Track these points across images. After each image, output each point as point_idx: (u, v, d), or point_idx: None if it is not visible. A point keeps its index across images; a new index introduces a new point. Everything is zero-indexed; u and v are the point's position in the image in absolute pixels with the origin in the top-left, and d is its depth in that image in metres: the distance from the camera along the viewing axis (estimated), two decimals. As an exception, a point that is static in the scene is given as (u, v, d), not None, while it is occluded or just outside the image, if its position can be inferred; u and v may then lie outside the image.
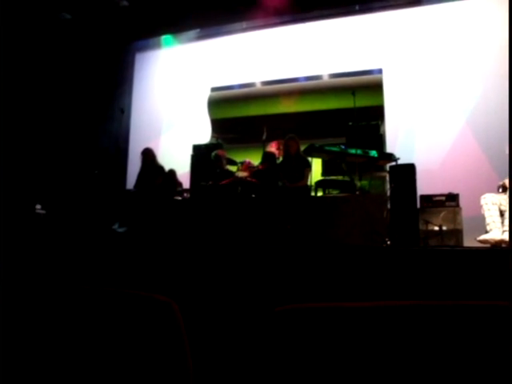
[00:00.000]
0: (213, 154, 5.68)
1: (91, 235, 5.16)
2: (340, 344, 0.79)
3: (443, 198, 4.76)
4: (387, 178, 4.98)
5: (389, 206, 4.56)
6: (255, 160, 5.68)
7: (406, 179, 4.54)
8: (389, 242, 4.17)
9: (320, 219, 4.39)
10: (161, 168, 5.89)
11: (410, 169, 4.61)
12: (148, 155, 6.01)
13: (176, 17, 7.08)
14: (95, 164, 6.88)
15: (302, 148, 5.07)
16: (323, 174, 5.59)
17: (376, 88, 6.55)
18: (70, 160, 7.16)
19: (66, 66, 7.35)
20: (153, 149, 6.17)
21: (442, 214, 4.60)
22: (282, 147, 5.51)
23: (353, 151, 4.75)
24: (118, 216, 5.53)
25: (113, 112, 7.73)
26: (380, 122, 6.11)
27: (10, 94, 5.79)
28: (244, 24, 7.36)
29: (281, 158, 5.44)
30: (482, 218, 4.03)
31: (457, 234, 4.52)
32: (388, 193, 4.71)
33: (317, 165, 5.49)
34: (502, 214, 3.94)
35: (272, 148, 5.81)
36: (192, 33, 7.69)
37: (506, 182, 3.98)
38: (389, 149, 5.98)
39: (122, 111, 7.53)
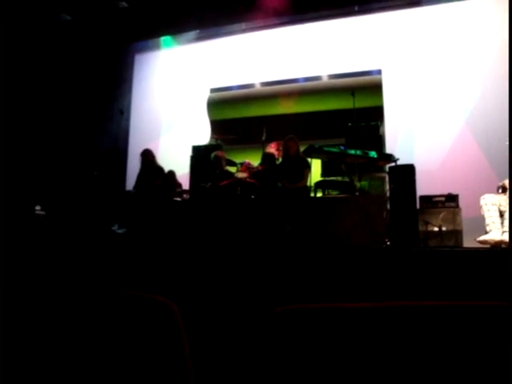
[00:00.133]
0: (212, 154, 5.68)
1: (91, 236, 5.16)
2: (340, 345, 0.78)
3: (443, 199, 4.76)
4: (387, 179, 4.98)
5: (388, 206, 4.56)
6: (255, 161, 5.68)
7: (406, 180, 4.53)
8: (388, 243, 4.17)
9: (320, 220, 4.39)
10: (160, 169, 5.89)
11: (409, 169, 4.60)
12: (147, 156, 6.00)
13: (175, 18, 7.08)
14: (94, 165, 6.89)
15: (302, 149, 5.07)
16: (323, 174, 5.59)
17: (375, 89, 6.55)
18: (70, 161, 7.16)
19: (65, 67, 7.35)
20: (152, 150, 6.16)
21: (442, 215, 4.60)
22: (281, 148, 5.52)
23: (352, 152, 4.75)
24: (117, 217, 5.53)
25: (112, 113, 7.73)
26: (379, 123, 6.11)
27: (9, 94, 5.79)
28: (243, 25, 7.36)
29: (280, 159, 5.45)
30: (482, 219, 4.03)
31: (456, 234, 4.52)
32: (387, 193, 4.70)
33: (316, 165, 5.49)
34: (501, 214, 3.94)
35: (271, 149, 5.81)
36: (191, 34, 7.69)
37: (506, 182, 3.98)
38: (388, 149, 5.98)
39: (122, 112, 7.54)
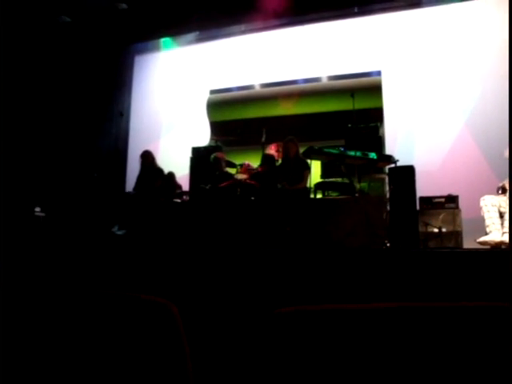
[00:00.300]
0: (212, 156, 5.68)
1: (90, 238, 5.16)
2: (340, 346, 0.78)
3: (443, 200, 4.75)
4: (386, 180, 4.98)
5: (388, 207, 4.56)
6: (254, 162, 5.68)
7: (406, 181, 4.53)
8: (388, 244, 4.17)
9: (319, 221, 4.39)
10: (160, 170, 5.89)
11: (409, 171, 4.60)
12: (147, 158, 6.00)
13: (175, 19, 7.09)
14: (94, 167, 6.89)
15: (301, 150, 5.07)
16: (322, 176, 5.59)
17: (375, 90, 6.55)
18: (70, 162, 7.16)
19: (65, 69, 7.36)
20: (152, 151, 6.16)
21: (442, 216, 4.60)
22: (281, 149, 5.52)
23: (352, 153, 4.75)
24: (117, 219, 5.53)
25: (112, 114, 7.73)
26: (379, 124, 6.11)
27: (9, 96, 5.80)
28: (243, 26, 7.36)
29: (280, 161, 5.45)
30: (482, 220, 4.03)
31: (456, 235, 4.51)
32: (387, 195, 4.70)
33: (316, 167, 5.49)
34: (501, 215, 3.94)
35: (271, 150, 5.81)
36: (191, 35, 7.70)
37: (506, 183, 3.98)
38: (388, 151, 5.98)
39: (121, 114, 7.54)
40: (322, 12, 6.89)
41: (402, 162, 4.83)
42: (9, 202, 5.22)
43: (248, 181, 5.20)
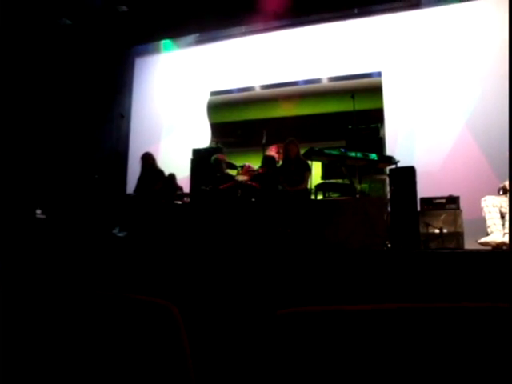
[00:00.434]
0: (213, 158, 5.68)
1: (91, 240, 5.16)
2: (342, 347, 0.78)
3: (443, 201, 4.75)
4: (387, 181, 4.98)
5: (389, 208, 4.55)
6: (255, 164, 5.68)
7: (406, 182, 4.53)
8: (389, 245, 4.17)
9: (320, 223, 4.39)
10: (161, 172, 5.90)
11: (409, 171, 4.60)
12: (148, 160, 6.00)
13: (175, 21, 7.10)
14: (95, 168, 6.89)
15: (302, 151, 5.07)
16: (323, 177, 5.59)
17: (375, 91, 6.56)
18: (70, 165, 7.17)
19: (66, 71, 7.37)
20: (153, 153, 6.16)
21: (443, 217, 4.59)
22: (281, 151, 5.51)
23: (353, 154, 4.75)
24: (118, 220, 5.53)
25: (113, 116, 7.74)
26: (380, 125, 6.11)
27: (10, 98, 5.80)
28: (243, 28, 7.37)
29: (281, 162, 5.44)
30: (483, 221, 4.02)
31: (457, 236, 4.51)
32: (388, 196, 4.70)
33: (317, 168, 5.49)
34: (502, 216, 3.93)
35: (272, 152, 5.81)
36: (191, 37, 7.71)
37: (507, 183, 3.97)
38: (389, 152, 5.99)
39: (122, 116, 7.55)
40: (322, 13, 6.91)
41: (403, 162, 4.83)
42: (10, 204, 5.22)
43: (249, 182, 5.20)
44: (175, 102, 7.81)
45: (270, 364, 0.79)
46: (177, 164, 6.58)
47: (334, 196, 5.19)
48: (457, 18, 6.33)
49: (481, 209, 4.04)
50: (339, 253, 3.35)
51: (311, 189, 5.05)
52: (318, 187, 5.10)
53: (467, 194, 4.75)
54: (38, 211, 5.92)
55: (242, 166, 5.69)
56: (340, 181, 5.27)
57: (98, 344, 0.94)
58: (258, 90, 7.38)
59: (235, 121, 7.36)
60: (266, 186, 5.10)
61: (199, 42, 7.74)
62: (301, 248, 4.08)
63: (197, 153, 6.50)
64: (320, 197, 5.09)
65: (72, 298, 1.02)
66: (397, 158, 4.91)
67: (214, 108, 7.53)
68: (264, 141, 5.84)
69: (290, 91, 7.13)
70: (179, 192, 5.87)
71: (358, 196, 4.78)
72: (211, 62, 7.60)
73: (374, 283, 2.65)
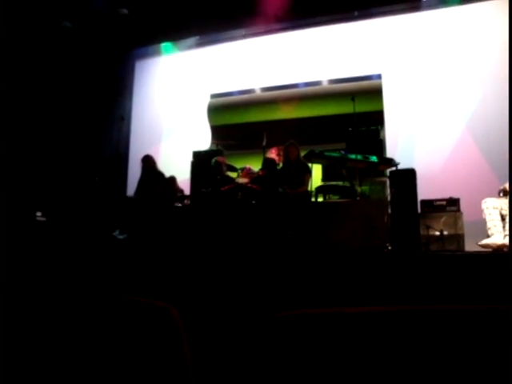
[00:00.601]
0: (213, 160, 5.68)
1: (92, 242, 5.16)
2: (341, 350, 0.78)
3: (444, 203, 4.75)
4: (387, 183, 4.98)
5: (389, 211, 4.55)
6: (255, 166, 5.67)
7: (407, 184, 4.53)
8: (390, 248, 4.16)
9: (320, 225, 4.38)
10: (161, 175, 5.90)
11: (410, 174, 4.60)
12: (148, 162, 6.01)
13: (175, 24, 7.11)
14: (95, 171, 6.89)
15: (302, 154, 5.07)
16: (323, 179, 5.59)
17: (375, 93, 6.56)
18: (71, 167, 7.17)
19: (66, 74, 7.38)
20: (153, 155, 6.17)
21: (443, 219, 4.59)
22: (282, 153, 5.51)
23: (353, 156, 4.75)
24: (118, 223, 5.53)
25: (113, 119, 7.75)
26: (380, 127, 6.12)
27: (11, 101, 5.81)
28: (243, 31, 7.38)
29: (281, 164, 5.44)
30: (483, 223, 4.02)
31: (458, 238, 4.51)
32: (388, 198, 4.70)
33: (317, 170, 5.49)
34: (503, 218, 3.93)
35: (272, 154, 5.81)
36: (191, 40, 7.73)
37: (507, 185, 3.97)
38: (389, 154, 5.98)
39: (123, 118, 7.56)
40: (323, 16, 6.92)
41: (403, 165, 4.83)
42: (10, 206, 5.22)
43: (249, 185, 5.20)
44: (175, 104, 7.82)
45: (269, 367, 0.79)
46: (177, 166, 6.58)
47: (335, 198, 5.19)
48: (457, 21, 6.34)
49: (481, 211, 4.04)
50: (340, 255, 3.35)
51: (311, 191, 5.05)
52: (319, 189, 5.10)
53: (468, 196, 4.74)
54: (38, 213, 5.92)
55: (242, 169, 5.69)
56: (340, 183, 5.28)
57: (98, 346, 0.94)
58: (258, 92, 7.39)
59: (235, 123, 7.36)
60: (266, 189, 5.09)
61: (199, 44, 7.75)
62: (301, 250, 4.07)
63: (197, 155, 6.50)
64: (320, 199, 5.09)
65: (72, 301, 1.02)
66: (397, 160, 4.91)
67: (215, 110, 7.54)
68: (264, 143, 5.84)
69: (290, 93, 7.14)
70: (180, 194, 5.87)
71: (358, 198, 4.78)
72: (211, 65, 7.61)
73: (375, 285, 2.64)
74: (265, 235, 4.46)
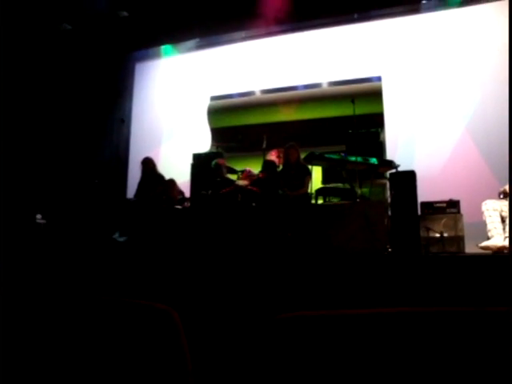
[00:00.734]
0: (213, 162, 5.69)
1: (92, 245, 5.16)
2: (342, 352, 0.78)
3: (444, 205, 4.74)
4: (387, 185, 4.97)
5: (389, 213, 4.55)
6: (255, 168, 5.68)
7: (407, 186, 4.52)
8: (390, 250, 4.16)
9: (321, 227, 4.38)
10: (161, 177, 5.90)
11: (410, 176, 4.59)
12: (148, 164, 6.01)
13: (175, 26, 7.13)
14: (95, 173, 6.90)
15: (302, 156, 5.07)
16: (323, 181, 5.59)
17: (375, 95, 6.56)
18: (71, 169, 7.17)
19: (66, 76, 7.39)
20: (153, 158, 6.17)
21: (443, 221, 4.59)
22: (282, 155, 5.52)
23: (353, 159, 4.75)
24: (118, 225, 5.53)
25: (113, 122, 7.76)
26: (380, 130, 6.12)
27: (11, 103, 5.81)
28: (243, 33, 7.39)
29: (281, 166, 5.45)
30: (484, 225, 4.02)
31: (458, 240, 4.50)
32: (388, 200, 4.70)
33: (317, 173, 5.49)
34: (503, 220, 3.93)
35: (272, 156, 5.81)
36: (191, 42, 7.73)
37: (507, 187, 3.97)
38: (389, 156, 5.98)
39: (122, 121, 7.56)
40: (322, 18, 6.92)
41: (403, 167, 4.83)
42: (10, 209, 5.22)
43: (249, 187, 5.20)
44: (175, 106, 7.82)
45: (270, 369, 0.79)
46: (177, 168, 6.58)
47: (335, 200, 5.18)
48: (456, 23, 6.35)
49: (481, 213, 4.04)
50: (340, 257, 3.35)
51: (311, 193, 5.05)
52: (319, 192, 5.10)
53: (468, 198, 4.74)
54: (38, 216, 5.92)
55: (242, 171, 5.69)
56: (340, 185, 5.27)
57: (98, 349, 0.94)
58: (258, 94, 7.39)
59: (235, 125, 7.37)
60: (266, 191, 5.09)
61: (199, 46, 7.76)
62: (301, 252, 4.07)
63: (197, 157, 6.51)
64: (320, 201, 5.09)
65: (72, 303, 1.02)
66: (397, 162, 4.90)
67: (215, 113, 7.54)
68: (264, 145, 5.84)
69: (290, 96, 7.15)
70: (180, 196, 5.87)
71: (358, 200, 4.78)
72: (211, 67, 7.62)
73: (375, 287, 2.64)
74: (265, 237, 4.46)
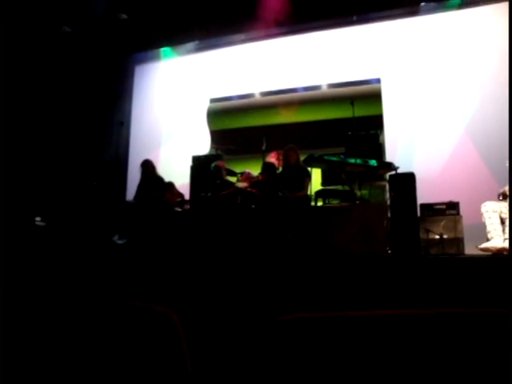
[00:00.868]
0: (212, 164, 5.69)
1: (91, 247, 5.15)
2: (342, 354, 0.78)
3: (443, 207, 4.75)
4: (387, 187, 4.97)
5: (389, 215, 4.55)
6: (255, 170, 5.68)
7: (406, 188, 4.52)
8: (389, 251, 4.16)
9: (320, 229, 4.38)
10: (161, 179, 5.90)
11: (409, 177, 4.60)
12: (148, 167, 6.01)
13: (175, 29, 7.13)
14: (95, 176, 6.89)
15: (302, 158, 5.08)
16: (323, 183, 5.59)
17: (375, 97, 6.57)
18: (70, 172, 7.17)
19: (66, 79, 7.39)
20: (152, 160, 6.17)
21: (443, 223, 4.59)
22: (281, 157, 5.52)
23: (352, 161, 4.75)
24: (117, 228, 5.53)
25: (112, 124, 7.75)
26: (379, 132, 6.13)
27: (10, 105, 5.81)
28: (243, 35, 7.40)
29: (280, 169, 5.45)
30: (483, 226, 4.02)
31: (458, 242, 4.50)
32: (388, 202, 4.70)
33: (316, 175, 5.50)
34: (502, 221, 3.93)
35: (272, 158, 5.82)
36: (191, 45, 7.74)
37: (506, 189, 3.97)
38: (388, 158, 5.99)
39: (122, 123, 7.56)
40: (322, 21, 6.93)
41: (403, 168, 4.83)
42: (9, 211, 5.22)
43: (249, 189, 5.20)
44: (175, 109, 7.83)
45: (270, 371, 0.79)
46: (177, 171, 6.58)
47: (334, 202, 5.19)
48: (456, 25, 6.36)
49: (481, 214, 4.04)
50: (339, 259, 3.35)
51: (311, 195, 5.05)
52: (318, 194, 5.10)
53: (467, 200, 4.74)
54: (38, 218, 5.91)
55: (241, 173, 5.70)
56: (340, 187, 5.28)
57: (98, 351, 0.94)
58: (257, 96, 7.40)
59: (235, 128, 7.37)
60: (265, 193, 5.10)
61: (199, 49, 7.77)
62: (301, 254, 4.07)
63: (197, 160, 6.51)
64: (320, 203, 5.09)
65: (72, 306, 1.02)
66: (396, 164, 4.91)
67: (214, 115, 7.55)
68: (264, 147, 5.84)
69: (289, 98, 7.15)
70: (179, 199, 5.87)
71: (357, 202, 4.78)
72: (211, 69, 7.63)
73: (375, 289, 2.64)
74: (264, 239, 4.46)
